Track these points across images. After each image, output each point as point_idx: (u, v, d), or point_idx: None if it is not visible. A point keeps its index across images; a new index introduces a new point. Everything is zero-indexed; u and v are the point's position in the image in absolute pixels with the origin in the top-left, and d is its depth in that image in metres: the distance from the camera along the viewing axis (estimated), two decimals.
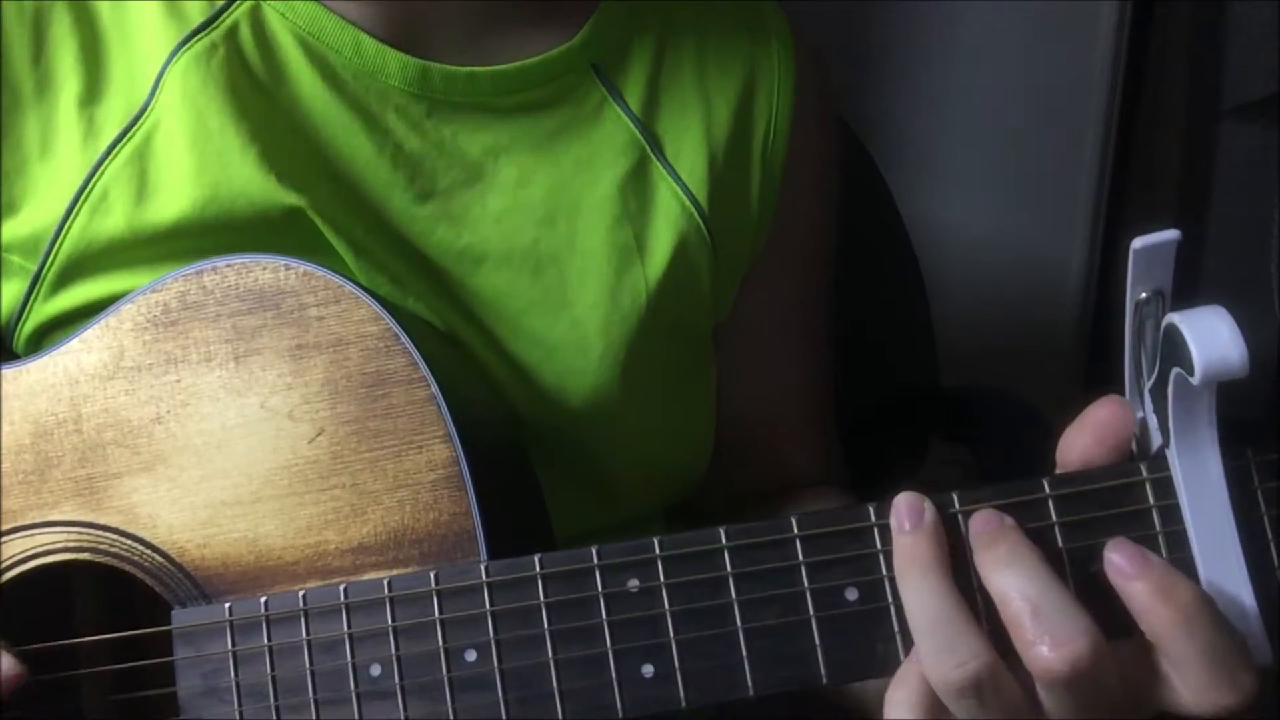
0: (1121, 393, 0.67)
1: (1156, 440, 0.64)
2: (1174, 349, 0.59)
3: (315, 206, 0.83)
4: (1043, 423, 1.36)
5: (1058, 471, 0.68)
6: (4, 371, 0.77)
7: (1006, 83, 1.92)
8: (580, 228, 0.90)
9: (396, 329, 0.74)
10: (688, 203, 0.92)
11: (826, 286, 1.08)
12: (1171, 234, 0.60)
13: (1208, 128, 1.99)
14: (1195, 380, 0.58)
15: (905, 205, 1.41)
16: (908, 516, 0.65)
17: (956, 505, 0.66)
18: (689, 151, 0.94)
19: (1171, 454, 0.63)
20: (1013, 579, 0.63)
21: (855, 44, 1.90)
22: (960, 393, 1.48)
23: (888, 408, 1.40)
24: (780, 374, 1.04)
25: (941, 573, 0.64)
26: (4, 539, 0.76)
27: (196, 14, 0.85)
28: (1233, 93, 1.96)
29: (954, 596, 0.64)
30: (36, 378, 0.77)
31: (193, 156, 0.82)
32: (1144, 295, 0.61)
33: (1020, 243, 1.96)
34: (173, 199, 0.82)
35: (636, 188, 0.92)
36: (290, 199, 0.82)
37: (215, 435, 0.74)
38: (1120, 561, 0.63)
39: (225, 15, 0.85)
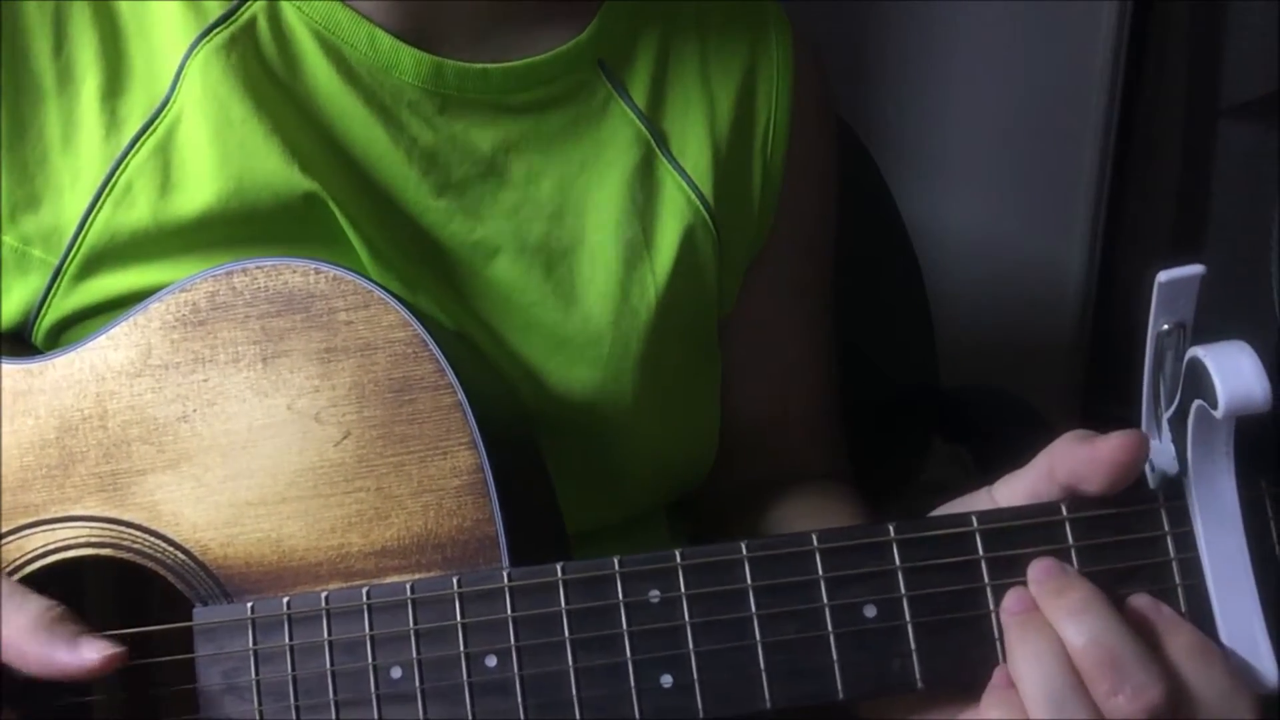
0: (1117, 404, 0.68)
1: (1173, 468, 0.65)
2: (1196, 382, 0.60)
3: (334, 198, 0.84)
4: (1042, 423, 1.37)
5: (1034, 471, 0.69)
6: (30, 366, 0.77)
7: (1006, 83, 1.93)
8: (589, 223, 0.91)
9: (424, 335, 0.74)
10: (693, 197, 0.93)
11: (828, 280, 1.08)
12: (1196, 269, 0.61)
13: (1206, 127, 2.00)
14: (1218, 414, 0.59)
15: (905, 205, 1.42)
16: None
17: (975, 524, 0.67)
18: (693, 146, 0.94)
19: (1188, 482, 0.64)
20: (1090, 626, 0.63)
21: (855, 44, 1.91)
22: (960, 393, 1.48)
23: (888, 408, 1.41)
24: (783, 368, 1.05)
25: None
26: (27, 533, 0.76)
27: (214, 8, 0.85)
28: (1231, 91, 1.97)
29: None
30: (63, 373, 0.77)
31: (216, 148, 0.83)
32: (1166, 327, 0.62)
33: (1020, 243, 1.96)
34: (197, 191, 0.83)
35: (643, 183, 0.93)
36: (314, 189, 0.83)
37: (241, 435, 0.75)
38: (1139, 607, 0.65)
39: (243, 10, 0.86)
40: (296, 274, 0.75)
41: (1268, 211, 1.82)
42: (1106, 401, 1.96)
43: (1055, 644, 0.64)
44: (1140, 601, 0.66)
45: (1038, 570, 0.66)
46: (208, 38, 0.84)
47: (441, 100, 0.88)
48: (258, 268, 0.76)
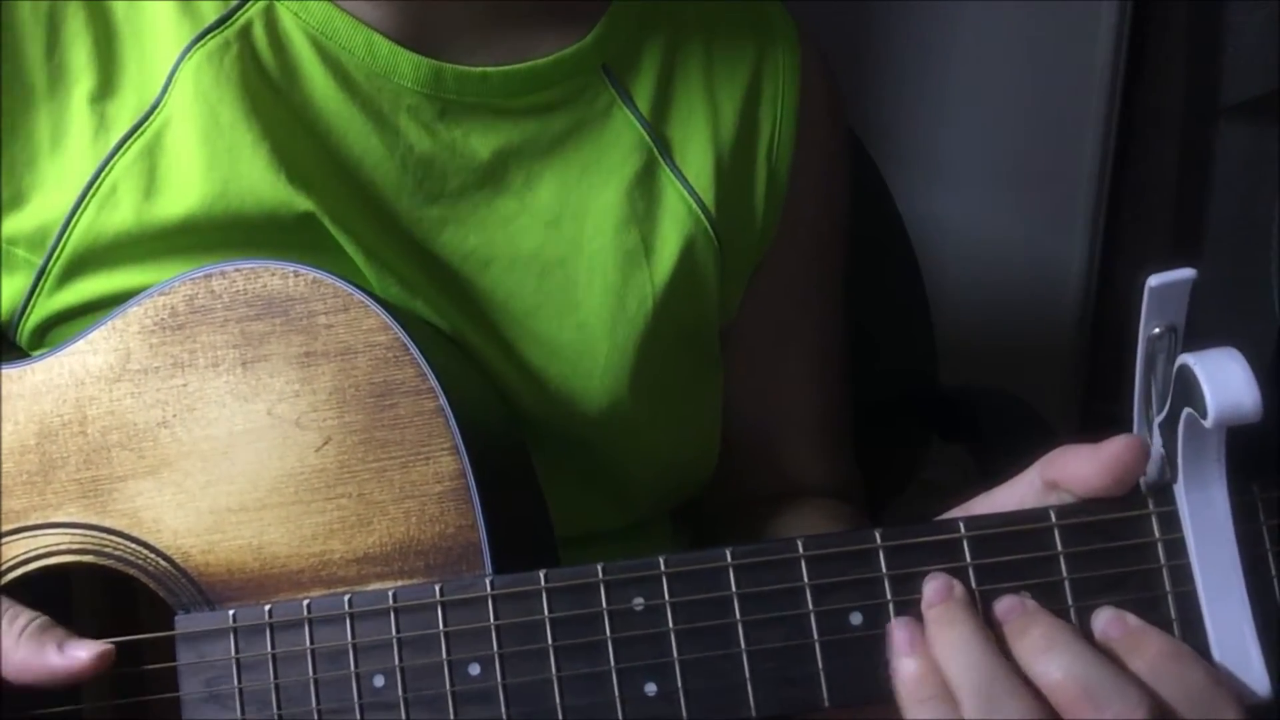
0: (1117, 404, 0.67)
1: (1164, 473, 0.64)
2: (1186, 390, 0.59)
3: (324, 207, 0.83)
4: (1042, 423, 1.37)
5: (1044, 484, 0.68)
6: (9, 371, 0.77)
7: (1006, 83, 1.93)
8: (587, 231, 0.90)
9: (405, 339, 0.73)
10: (695, 206, 0.92)
11: (836, 293, 1.07)
12: (1187, 273, 0.60)
13: (1206, 126, 2.00)
14: (1207, 424, 0.58)
15: (905, 205, 1.41)
16: (937, 594, 0.65)
17: (962, 530, 0.66)
18: (696, 154, 0.93)
19: (1179, 489, 0.63)
20: (1059, 661, 0.62)
21: (856, 45, 1.90)
22: (960, 393, 1.48)
23: (887, 408, 1.40)
24: (785, 378, 1.04)
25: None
26: (7, 539, 0.76)
27: (210, 12, 0.85)
28: (1230, 91, 1.96)
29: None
30: (42, 378, 0.76)
31: (203, 153, 0.82)
32: (1157, 331, 0.61)
33: (1020, 243, 1.96)
34: (182, 195, 0.82)
35: (644, 191, 0.92)
36: (299, 198, 0.82)
37: (221, 441, 0.74)
38: (1102, 626, 0.64)
39: (239, 14, 0.85)
40: (275, 277, 0.75)
41: (1268, 211, 1.82)
42: (1106, 401, 1.95)
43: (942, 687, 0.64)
44: (1102, 621, 0.65)
45: (1000, 609, 0.65)
46: (202, 42, 0.84)
47: (441, 105, 0.87)
48: (236, 270, 0.75)
